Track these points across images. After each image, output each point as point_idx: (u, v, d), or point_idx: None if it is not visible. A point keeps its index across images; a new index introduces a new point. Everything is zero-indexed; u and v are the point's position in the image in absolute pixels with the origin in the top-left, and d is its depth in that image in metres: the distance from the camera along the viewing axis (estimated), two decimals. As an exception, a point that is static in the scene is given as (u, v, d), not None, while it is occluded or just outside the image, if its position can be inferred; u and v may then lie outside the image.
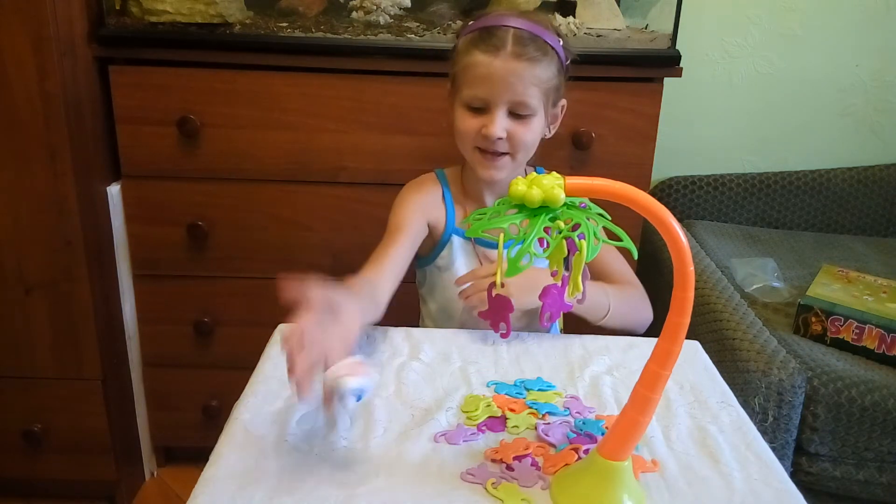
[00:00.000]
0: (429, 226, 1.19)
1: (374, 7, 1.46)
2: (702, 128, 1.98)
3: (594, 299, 1.08)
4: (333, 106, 1.48)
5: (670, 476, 0.77)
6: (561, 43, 1.09)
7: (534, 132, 1.09)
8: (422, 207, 1.17)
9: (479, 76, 1.05)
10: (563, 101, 1.14)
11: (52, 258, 1.45)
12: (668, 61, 1.48)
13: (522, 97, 1.05)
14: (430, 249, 1.21)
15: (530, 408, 0.87)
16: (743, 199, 1.97)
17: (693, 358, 1.02)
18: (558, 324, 1.26)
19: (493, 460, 0.78)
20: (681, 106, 1.91)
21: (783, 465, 0.81)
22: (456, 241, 1.19)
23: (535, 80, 1.05)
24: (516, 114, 1.07)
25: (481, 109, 1.07)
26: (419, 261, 1.25)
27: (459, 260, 1.19)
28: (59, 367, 1.53)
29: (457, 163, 1.23)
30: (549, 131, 1.14)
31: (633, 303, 1.16)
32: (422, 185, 1.21)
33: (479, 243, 1.19)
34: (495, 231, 0.67)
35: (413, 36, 1.46)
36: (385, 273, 1.05)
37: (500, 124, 1.05)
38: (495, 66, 1.04)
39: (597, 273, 1.15)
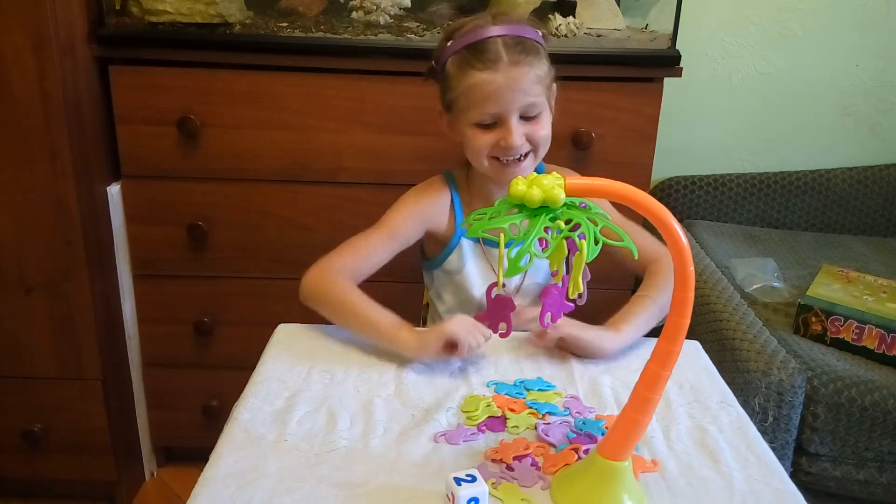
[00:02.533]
0: (431, 232, 1.18)
1: (374, 7, 1.46)
2: (702, 128, 1.98)
3: (650, 323, 1.05)
4: (333, 106, 1.48)
5: (670, 476, 0.77)
6: (540, 33, 1.10)
7: (547, 126, 1.10)
8: (421, 215, 1.17)
9: (485, 95, 1.05)
10: (554, 86, 1.14)
11: (52, 258, 1.45)
12: (668, 61, 1.48)
13: (531, 99, 1.06)
14: (438, 253, 1.20)
15: (530, 408, 0.87)
16: (743, 199, 1.97)
17: (693, 358, 1.02)
18: None
19: (493, 460, 0.78)
20: (681, 106, 1.91)
21: (783, 465, 0.81)
22: (466, 244, 1.18)
23: (537, 79, 1.06)
24: (527, 116, 1.07)
25: (493, 123, 1.07)
26: (427, 263, 1.25)
27: (470, 263, 1.18)
28: (59, 367, 1.53)
29: (460, 163, 1.22)
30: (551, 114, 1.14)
31: (669, 285, 1.12)
32: (428, 191, 1.20)
33: (488, 244, 1.18)
34: (497, 233, 0.67)
35: (413, 36, 1.46)
36: (362, 265, 1.10)
37: (517, 132, 1.06)
38: (498, 80, 1.03)
39: (624, 253, 1.14)
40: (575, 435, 0.83)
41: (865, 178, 1.97)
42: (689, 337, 0.70)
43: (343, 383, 0.92)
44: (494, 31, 1.05)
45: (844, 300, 1.43)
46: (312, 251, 1.59)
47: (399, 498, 0.72)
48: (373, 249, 1.11)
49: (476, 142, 1.08)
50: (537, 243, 0.64)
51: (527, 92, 1.05)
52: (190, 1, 1.42)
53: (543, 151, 1.11)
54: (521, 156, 1.08)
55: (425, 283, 1.29)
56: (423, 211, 1.17)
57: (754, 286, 1.60)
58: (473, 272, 1.17)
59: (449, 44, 1.09)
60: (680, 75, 1.50)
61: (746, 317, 1.40)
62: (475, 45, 1.05)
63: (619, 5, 1.50)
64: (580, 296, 0.69)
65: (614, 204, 1.13)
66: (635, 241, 1.11)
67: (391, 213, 1.16)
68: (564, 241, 0.65)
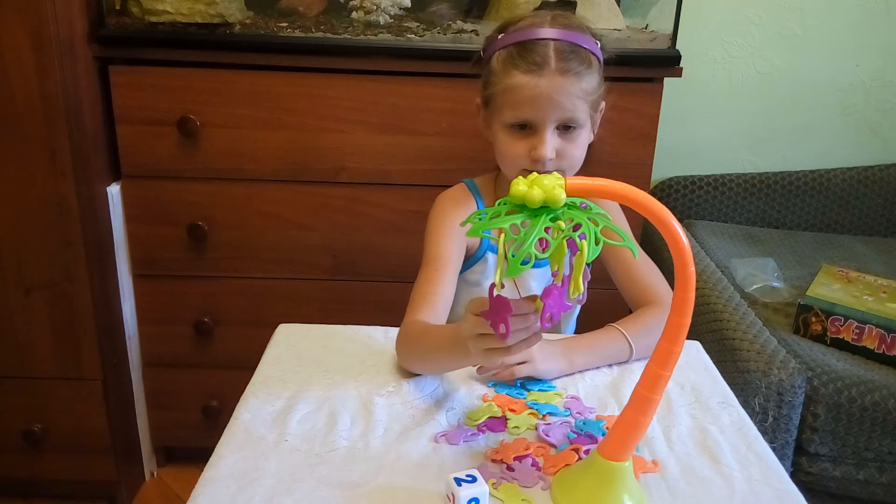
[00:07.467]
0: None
1: (374, 7, 1.46)
2: (702, 128, 1.98)
3: (610, 352, 1.00)
4: (333, 106, 1.49)
5: (671, 476, 0.77)
6: (599, 45, 1.03)
7: (582, 146, 1.03)
8: (461, 234, 1.09)
9: (524, 99, 0.98)
10: (603, 104, 1.08)
11: (52, 258, 1.45)
12: (668, 61, 1.48)
13: (571, 113, 0.99)
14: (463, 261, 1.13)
15: (531, 408, 0.87)
16: (743, 199, 1.97)
17: (694, 358, 1.03)
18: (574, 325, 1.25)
19: (494, 460, 0.78)
20: (681, 106, 1.91)
21: (783, 465, 0.82)
22: (491, 258, 1.13)
23: (582, 93, 0.99)
24: (564, 128, 1.00)
25: (526, 129, 1.01)
26: None
27: (492, 279, 1.13)
28: (59, 367, 1.53)
29: (462, 165, 1.20)
30: (591, 136, 1.08)
31: (656, 330, 1.05)
32: (457, 206, 1.12)
33: None
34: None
35: (413, 36, 1.46)
36: (436, 309, 1.01)
37: (549, 145, 0.99)
38: (541, 87, 0.96)
39: (626, 283, 1.10)
40: (575, 435, 0.83)
41: (865, 178, 1.97)
42: (688, 337, 0.70)
43: (343, 383, 0.92)
44: (548, 33, 0.98)
45: (844, 300, 1.43)
46: (312, 251, 1.60)
47: (399, 498, 0.72)
48: (437, 289, 1.03)
49: (508, 149, 1.02)
50: (538, 243, 0.64)
51: (568, 105, 0.98)
52: (190, 1, 1.42)
53: (571, 173, 1.02)
54: (547, 172, 1.03)
55: None
56: (460, 228, 1.12)
57: (754, 286, 1.60)
58: None
59: (500, 37, 1.01)
60: (680, 75, 1.50)
61: (746, 317, 1.40)
62: (524, 44, 0.98)
63: (619, 5, 1.50)
64: (580, 296, 0.69)
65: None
66: (647, 275, 1.10)
67: (435, 242, 1.08)
68: (565, 242, 0.65)
